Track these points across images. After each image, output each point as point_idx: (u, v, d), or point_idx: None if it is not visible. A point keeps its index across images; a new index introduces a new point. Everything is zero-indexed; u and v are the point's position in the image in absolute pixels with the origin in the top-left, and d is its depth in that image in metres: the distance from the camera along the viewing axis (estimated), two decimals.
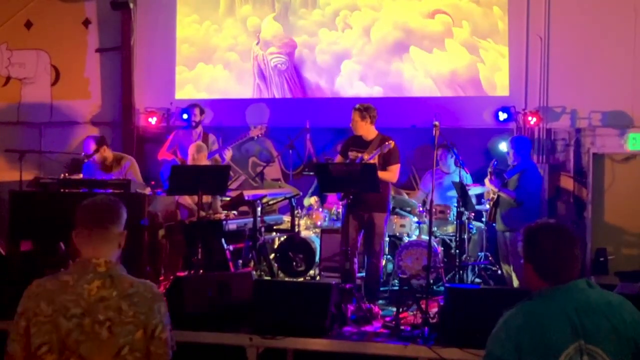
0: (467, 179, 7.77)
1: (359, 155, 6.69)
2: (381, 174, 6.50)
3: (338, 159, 7.06)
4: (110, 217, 2.75)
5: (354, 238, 6.62)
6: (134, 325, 2.60)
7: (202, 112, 8.64)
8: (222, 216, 7.29)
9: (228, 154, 8.40)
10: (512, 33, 8.99)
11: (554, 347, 2.36)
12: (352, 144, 6.87)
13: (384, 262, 7.08)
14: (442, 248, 7.65)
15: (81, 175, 7.37)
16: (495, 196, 7.17)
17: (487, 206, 7.45)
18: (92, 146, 7.49)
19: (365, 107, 6.78)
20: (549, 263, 2.51)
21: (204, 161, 7.71)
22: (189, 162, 7.72)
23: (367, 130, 6.79)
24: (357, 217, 6.62)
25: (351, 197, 6.30)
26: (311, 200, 8.35)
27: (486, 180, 7.28)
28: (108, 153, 7.57)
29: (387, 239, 7.33)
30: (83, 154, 7.62)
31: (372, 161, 6.52)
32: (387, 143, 6.56)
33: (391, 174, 6.71)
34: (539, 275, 2.53)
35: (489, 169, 7.25)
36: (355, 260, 6.66)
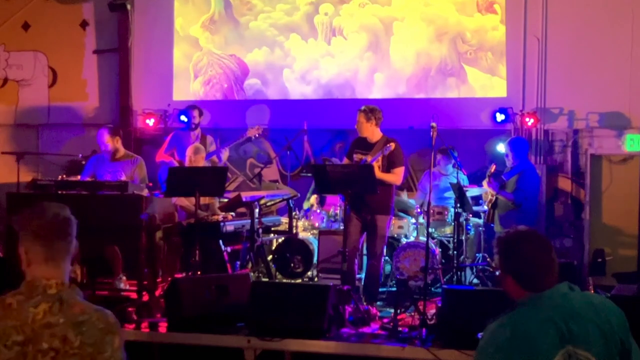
0: (464, 180, 7.77)
1: (363, 157, 6.68)
2: (384, 176, 6.49)
3: (345, 161, 7.03)
4: (72, 226, 2.40)
5: (355, 239, 6.60)
6: (79, 358, 2.26)
7: (200, 113, 8.62)
8: (220, 218, 7.29)
9: (225, 154, 8.40)
10: (509, 34, 8.98)
11: (543, 355, 2.34)
12: (356, 147, 6.84)
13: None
14: (440, 249, 7.65)
15: (79, 177, 7.36)
16: (494, 198, 7.18)
17: (485, 207, 7.45)
18: (106, 136, 7.58)
19: (371, 108, 6.72)
20: (528, 271, 2.48)
21: (202, 163, 7.69)
22: (187, 163, 7.70)
23: (372, 132, 6.72)
24: (360, 218, 6.62)
25: (349, 198, 6.30)
26: (312, 201, 8.33)
27: (484, 183, 7.29)
28: (120, 145, 7.66)
29: None
30: (80, 156, 7.61)
31: (375, 164, 6.51)
32: (388, 145, 6.50)
33: (395, 176, 6.61)
34: (520, 285, 2.50)
35: (488, 173, 7.25)
36: (355, 261, 6.66)
